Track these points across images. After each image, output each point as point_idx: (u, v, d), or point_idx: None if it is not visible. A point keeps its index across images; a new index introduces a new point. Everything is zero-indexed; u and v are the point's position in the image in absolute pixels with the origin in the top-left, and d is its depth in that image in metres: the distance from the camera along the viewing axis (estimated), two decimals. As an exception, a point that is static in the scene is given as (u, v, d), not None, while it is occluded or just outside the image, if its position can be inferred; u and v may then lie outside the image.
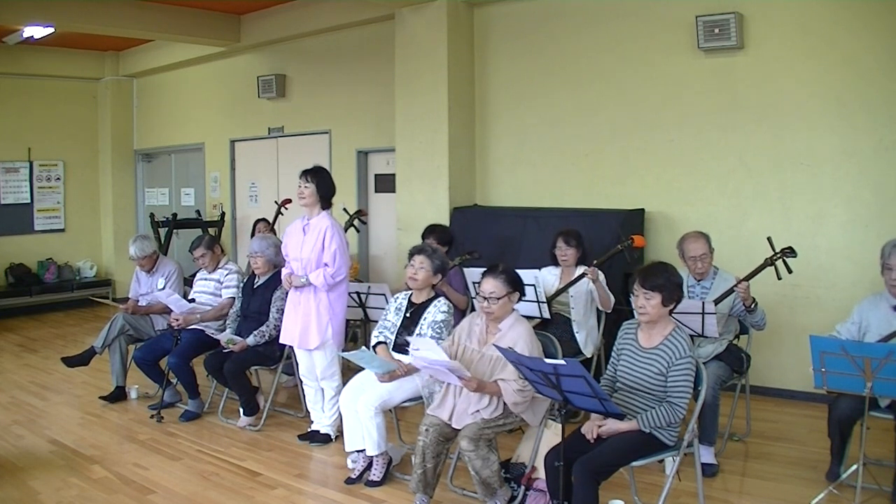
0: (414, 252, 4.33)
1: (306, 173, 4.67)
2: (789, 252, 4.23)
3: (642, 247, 5.24)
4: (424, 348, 3.59)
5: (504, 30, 6.93)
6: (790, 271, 4.24)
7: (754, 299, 4.25)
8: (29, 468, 4.43)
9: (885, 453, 3.94)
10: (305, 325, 4.67)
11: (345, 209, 7.25)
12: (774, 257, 4.24)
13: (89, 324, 9.23)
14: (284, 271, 4.81)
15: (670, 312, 3.33)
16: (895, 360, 3.23)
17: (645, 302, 3.26)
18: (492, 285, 3.67)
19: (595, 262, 4.89)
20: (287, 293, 4.84)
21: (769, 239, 4.26)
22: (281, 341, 4.86)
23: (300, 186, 4.66)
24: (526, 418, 3.66)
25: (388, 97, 7.41)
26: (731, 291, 4.24)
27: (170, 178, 10.91)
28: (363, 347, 4.26)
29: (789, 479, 4.09)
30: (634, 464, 3.19)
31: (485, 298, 3.67)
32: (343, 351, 4.57)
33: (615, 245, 5.12)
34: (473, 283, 4.98)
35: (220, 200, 9.82)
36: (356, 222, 7.01)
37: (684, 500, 3.77)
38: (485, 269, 3.81)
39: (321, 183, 4.66)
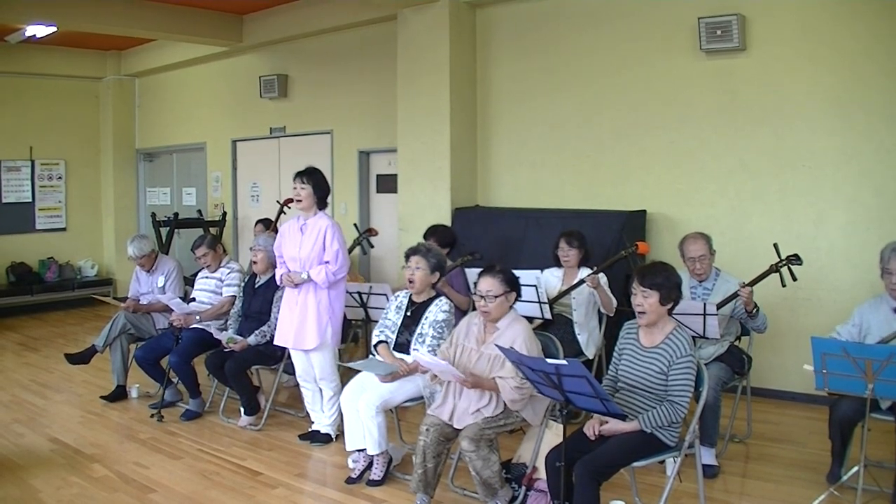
0: (409, 253, 4.33)
1: (301, 175, 4.66)
2: (795, 259, 4.22)
3: (646, 253, 5.23)
4: (421, 357, 3.71)
5: (506, 31, 6.94)
6: (794, 279, 4.24)
7: (756, 305, 4.25)
8: (29, 467, 4.43)
9: (886, 455, 3.95)
10: (302, 324, 4.64)
11: (355, 225, 7.24)
12: (780, 264, 4.23)
13: (90, 323, 9.24)
14: (278, 271, 4.79)
15: (669, 312, 3.34)
16: (896, 361, 3.23)
17: (643, 300, 3.27)
18: (489, 284, 3.68)
19: (596, 268, 4.89)
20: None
21: (776, 245, 4.25)
22: (276, 343, 4.83)
23: (296, 188, 4.65)
24: (526, 417, 3.66)
25: (389, 98, 7.41)
26: (734, 296, 4.22)
27: (171, 177, 10.92)
28: (370, 356, 4.26)
29: (790, 480, 4.09)
30: (636, 464, 3.18)
31: (482, 297, 3.68)
32: (341, 352, 4.58)
33: (617, 247, 5.11)
34: (475, 283, 4.98)
35: (222, 200, 9.83)
36: (364, 242, 6.98)
37: (685, 501, 3.77)
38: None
39: (317, 184, 4.66)
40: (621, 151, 6.29)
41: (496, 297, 3.66)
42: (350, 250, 5.10)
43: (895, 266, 3.77)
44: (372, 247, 7.17)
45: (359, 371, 4.31)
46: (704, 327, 4.18)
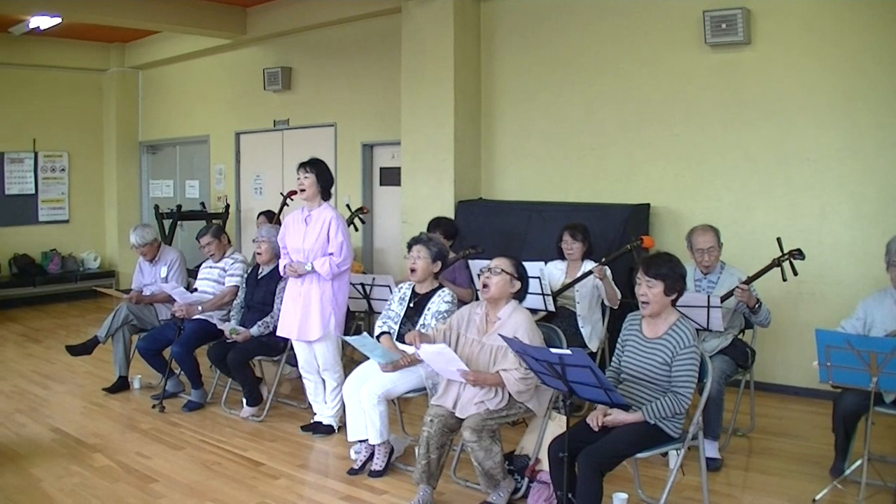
0: (411, 243, 4.35)
1: (304, 165, 4.67)
2: (797, 254, 4.20)
3: (651, 247, 5.22)
4: (430, 351, 3.64)
5: (510, 24, 6.92)
6: (796, 274, 4.23)
7: (758, 299, 4.23)
8: (31, 456, 4.43)
9: (890, 449, 3.95)
10: (306, 315, 4.63)
11: (347, 205, 7.23)
12: (782, 258, 4.21)
13: (92, 315, 9.23)
14: (282, 261, 4.78)
15: (673, 304, 3.33)
16: (901, 354, 3.22)
17: (647, 290, 3.26)
18: (499, 261, 3.75)
19: (603, 260, 4.88)
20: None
21: (779, 240, 4.24)
22: (278, 334, 4.83)
23: (299, 179, 4.65)
24: (531, 406, 3.66)
25: (393, 90, 7.40)
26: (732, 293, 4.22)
27: (174, 169, 10.92)
28: (365, 333, 4.27)
29: (793, 474, 4.08)
30: (639, 455, 3.18)
31: (488, 269, 3.70)
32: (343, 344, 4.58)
33: (620, 241, 5.08)
34: (478, 274, 4.97)
35: (225, 193, 9.83)
36: (356, 220, 7.02)
37: (688, 493, 3.76)
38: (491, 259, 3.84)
39: (320, 173, 4.66)
40: (625, 145, 6.28)
41: (501, 271, 3.68)
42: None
43: (902, 259, 3.76)
44: (364, 223, 7.22)
45: (361, 362, 4.31)
46: (708, 320, 4.17)
